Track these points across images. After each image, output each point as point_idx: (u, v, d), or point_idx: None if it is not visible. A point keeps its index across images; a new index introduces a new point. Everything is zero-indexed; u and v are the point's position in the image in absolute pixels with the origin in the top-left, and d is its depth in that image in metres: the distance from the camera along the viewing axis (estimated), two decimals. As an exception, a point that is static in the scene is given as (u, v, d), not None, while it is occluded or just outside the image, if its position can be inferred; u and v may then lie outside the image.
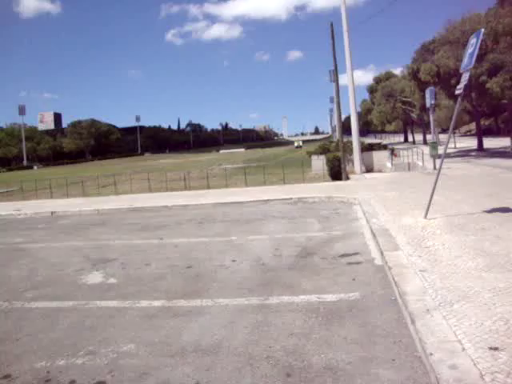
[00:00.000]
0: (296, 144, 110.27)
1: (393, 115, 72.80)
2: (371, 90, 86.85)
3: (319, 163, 30.66)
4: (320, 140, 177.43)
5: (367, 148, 32.21)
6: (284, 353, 5.19)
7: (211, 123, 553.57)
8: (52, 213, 20.00)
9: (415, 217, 11.80)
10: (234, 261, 9.52)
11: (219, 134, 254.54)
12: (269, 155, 75.50)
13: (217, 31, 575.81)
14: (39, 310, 7.37)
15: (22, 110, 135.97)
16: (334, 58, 26.62)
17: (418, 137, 79.93)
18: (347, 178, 25.32)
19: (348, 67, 28.52)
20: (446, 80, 35.01)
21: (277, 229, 12.82)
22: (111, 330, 6.22)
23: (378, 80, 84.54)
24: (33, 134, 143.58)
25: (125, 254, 10.96)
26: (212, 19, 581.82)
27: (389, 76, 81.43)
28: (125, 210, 19.12)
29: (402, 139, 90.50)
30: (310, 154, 35.48)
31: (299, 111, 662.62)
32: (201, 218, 15.49)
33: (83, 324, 6.55)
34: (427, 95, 35.96)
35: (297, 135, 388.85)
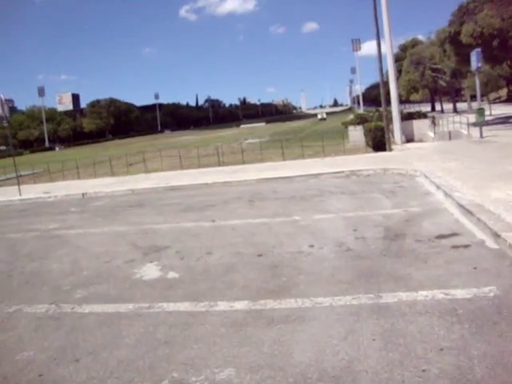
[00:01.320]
0: (319, 116, 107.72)
1: (421, 83, 70.00)
2: (397, 58, 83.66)
3: (357, 134, 29.05)
4: (340, 112, 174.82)
5: (406, 117, 30.31)
6: (450, 381, 3.72)
7: (229, 98, 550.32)
8: (83, 194, 18.76)
9: (503, 190, 10.18)
10: (311, 246, 8.06)
11: (238, 109, 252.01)
12: (294, 128, 73.57)
13: (231, 5, 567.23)
14: (94, 315, 6.00)
15: (41, 92, 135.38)
16: (376, 21, 24.52)
17: (446, 105, 77.27)
18: (390, 149, 23.60)
19: (386, 31, 26.51)
20: (487, 42, 32.71)
21: (342, 206, 11.32)
22: (194, 347, 4.80)
23: (403, 48, 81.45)
24: (52, 115, 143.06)
25: (177, 240, 9.56)
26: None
27: (415, 43, 78.42)
28: (161, 189, 17.76)
29: (428, 108, 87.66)
30: (345, 124, 33.73)
31: (317, 84, 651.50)
32: (249, 196, 14.04)
33: (154, 336, 5.16)
34: (473, 58, 33.62)
35: (315, 108, 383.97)
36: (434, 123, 30.26)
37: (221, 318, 5.46)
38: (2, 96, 21.20)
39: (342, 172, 16.59)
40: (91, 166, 30.64)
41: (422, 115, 31.87)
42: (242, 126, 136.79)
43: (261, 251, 8.02)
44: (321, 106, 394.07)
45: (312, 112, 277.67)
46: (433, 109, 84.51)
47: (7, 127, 23.21)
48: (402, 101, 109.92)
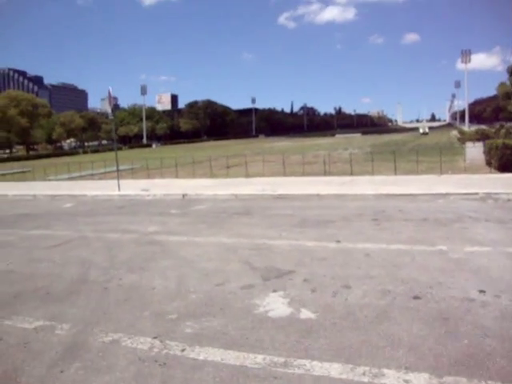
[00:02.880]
0: (421, 130, 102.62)
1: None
2: (512, 71, 78.06)
3: (475, 151, 26.46)
4: (438, 127, 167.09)
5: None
6: None
7: (324, 107, 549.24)
8: (183, 195, 17.72)
9: None
10: (482, 292, 6.15)
11: (333, 118, 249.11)
12: (395, 141, 70.25)
13: (330, 14, 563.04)
14: (212, 367, 4.50)
15: (143, 90, 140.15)
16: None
17: None
18: (521, 171, 20.80)
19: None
20: None
21: (496, 237, 9.24)
22: None
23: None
24: (152, 114, 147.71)
25: (300, 263, 7.94)
26: (325, 2, 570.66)
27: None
28: (268, 196, 16.30)
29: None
30: (462, 140, 30.86)
31: (413, 97, 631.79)
32: (372, 213, 12.22)
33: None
34: None
35: (411, 122, 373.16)
36: None
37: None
38: (110, 90, 20.79)
39: (476, 194, 14.34)
40: (189, 165, 30.10)
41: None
42: (337, 135, 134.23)
43: (415, 292, 6.21)
44: (417, 121, 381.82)
45: (408, 126, 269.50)
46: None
47: (113, 121, 22.80)
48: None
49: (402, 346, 4.72)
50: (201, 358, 4.69)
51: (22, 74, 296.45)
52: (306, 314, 5.67)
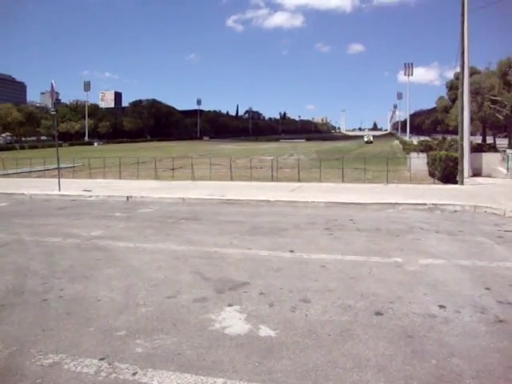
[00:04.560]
0: (366, 139, 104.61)
1: (478, 114, 67.02)
2: (451, 86, 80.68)
3: (419, 162, 27.08)
4: (380, 136, 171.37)
5: (476, 149, 28.04)
6: None
7: (269, 112, 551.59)
8: (128, 197, 17.07)
9: None
10: (442, 307, 6.02)
11: (277, 122, 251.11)
12: (339, 148, 71.33)
13: (278, 20, 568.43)
14: (167, 394, 4.07)
15: (87, 86, 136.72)
16: (462, 40, 22.34)
17: (499, 140, 74.05)
18: (462, 182, 21.29)
19: (465, 56, 24.17)
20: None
21: (447, 249, 9.24)
22: None
23: (458, 77, 78.68)
24: (94, 111, 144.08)
25: (255, 274, 7.60)
26: (274, 7, 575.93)
27: (473, 72, 75.41)
28: (216, 201, 15.89)
29: (479, 141, 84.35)
30: (407, 150, 31.48)
31: (356, 106, 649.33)
32: (324, 222, 12.05)
33: None
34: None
35: (354, 130, 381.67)
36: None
37: None
38: (53, 83, 19.85)
39: (424, 204, 14.46)
40: (132, 165, 29.33)
41: (491, 148, 29.51)
42: (282, 140, 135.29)
43: (376, 307, 6.00)
44: (360, 129, 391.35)
45: (351, 133, 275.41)
46: (483, 142, 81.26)
47: (54, 116, 21.81)
48: (448, 131, 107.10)
49: (370, 367, 4.46)
50: (155, 382, 4.26)
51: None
52: (265, 331, 5.33)
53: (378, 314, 5.78)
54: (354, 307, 6.01)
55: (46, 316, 5.90)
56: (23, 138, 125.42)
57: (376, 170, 27.08)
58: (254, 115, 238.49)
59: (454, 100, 75.46)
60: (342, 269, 7.83)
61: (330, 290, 6.72)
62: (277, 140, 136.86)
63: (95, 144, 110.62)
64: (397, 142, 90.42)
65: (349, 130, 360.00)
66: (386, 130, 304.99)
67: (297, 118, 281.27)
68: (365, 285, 6.95)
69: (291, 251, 9.02)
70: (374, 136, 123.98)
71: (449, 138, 32.61)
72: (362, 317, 5.70)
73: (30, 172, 32.03)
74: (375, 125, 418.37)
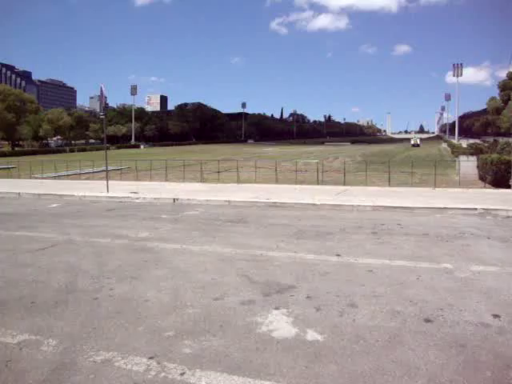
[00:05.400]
0: (413, 142, 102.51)
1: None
2: (503, 86, 78.50)
3: (469, 165, 26.29)
4: (426, 139, 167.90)
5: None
6: None
7: (314, 114, 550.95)
8: (174, 199, 17.29)
9: None
10: (496, 316, 5.83)
11: (322, 125, 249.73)
12: (385, 151, 70.33)
13: (322, 22, 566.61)
14: (216, 397, 4.10)
15: (133, 90, 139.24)
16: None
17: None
18: (516, 187, 20.66)
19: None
20: None
21: (502, 257, 8.94)
22: None
23: None
24: (141, 114, 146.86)
25: (302, 277, 7.56)
26: (318, 9, 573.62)
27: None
28: (262, 204, 15.91)
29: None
30: (456, 153, 30.76)
31: (403, 108, 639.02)
32: (371, 226, 11.89)
33: None
34: None
35: (400, 132, 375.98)
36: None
37: None
38: (103, 87, 20.35)
39: (474, 209, 14.07)
40: (178, 168, 29.68)
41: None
42: (327, 143, 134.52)
43: (426, 314, 5.87)
44: (406, 131, 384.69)
45: (397, 136, 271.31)
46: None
47: (103, 119, 22.35)
48: (501, 133, 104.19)
49: (420, 375, 4.36)
50: (202, 383, 4.29)
51: (10, 68, 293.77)
52: (312, 335, 5.29)
53: (428, 321, 5.66)
54: (402, 313, 5.90)
55: (97, 314, 6.03)
56: (73, 142, 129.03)
57: (423, 174, 26.58)
58: (298, 118, 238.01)
59: (506, 101, 73.46)
60: (390, 274, 7.70)
61: (378, 295, 6.61)
62: (321, 143, 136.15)
63: (142, 147, 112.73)
64: (444, 144, 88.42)
65: (394, 133, 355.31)
66: (432, 133, 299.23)
67: (342, 121, 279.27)
68: (413, 291, 6.81)
69: (338, 255, 8.94)
70: (420, 139, 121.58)
71: (501, 140, 31.67)
72: (410, 323, 5.59)
73: (80, 174, 32.93)
74: (422, 127, 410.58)
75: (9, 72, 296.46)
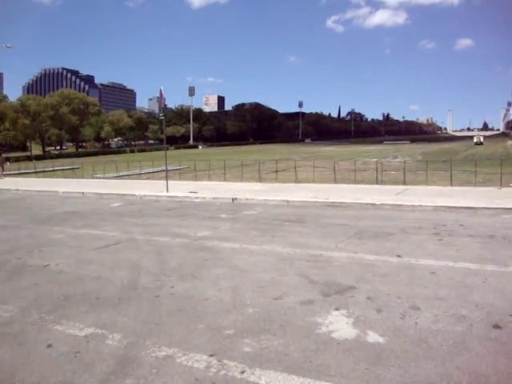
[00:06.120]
0: (476, 140, 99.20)
1: None
2: None
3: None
4: (491, 136, 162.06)
5: None
6: None
7: (371, 113, 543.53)
8: (233, 199, 17.43)
9: None
10: None
11: (380, 124, 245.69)
12: (447, 150, 68.44)
13: (380, 18, 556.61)
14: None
15: (191, 91, 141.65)
16: None
17: None
18: None
19: None
20: None
21: None
22: None
23: None
24: (198, 115, 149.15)
25: (361, 278, 7.45)
26: (375, 5, 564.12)
27: None
28: (320, 204, 15.80)
29: None
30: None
31: (465, 104, 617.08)
32: (432, 227, 11.58)
33: None
34: None
35: (462, 130, 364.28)
36: None
37: None
38: (162, 89, 20.82)
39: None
40: (236, 167, 29.89)
41: None
42: (385, 142, 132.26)
43: (494, 319, 5.64)
44: (468, 129, 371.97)
45: (458, 134, 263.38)
46: None
47: (163, 120, 22.88)
48: None
49: (489, 387, 4.19)
50: (262, 382, 4.30)
51: (75, 73, 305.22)
52: (373, 337, 5.20)
53: (496, 327, 5.44)
54: (467, 318, 5.70)
55: (159, 311, 6.16)
56: (132, 142, 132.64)
57: (488, 173, 25.62)
58: (356, 117, 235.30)
59: None
60: (453, 276, 7.47)
61: (441, 298, 6.43)
62: (380, 142, 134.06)
63: (200, 147, 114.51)
64: (511, 142, 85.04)
65: (456, 131, 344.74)
66: (497, 130, 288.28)
67: (400, 119, 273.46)
68: (479, 294, 6.57)
69: (398, 256, 8.75)
70: (484, 136, 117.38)
71: None
72: (477, 329, 5.39)
73: (140, 174, 33.78)
74: (485, 124, 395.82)
75: (73, 77, 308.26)
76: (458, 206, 14.26)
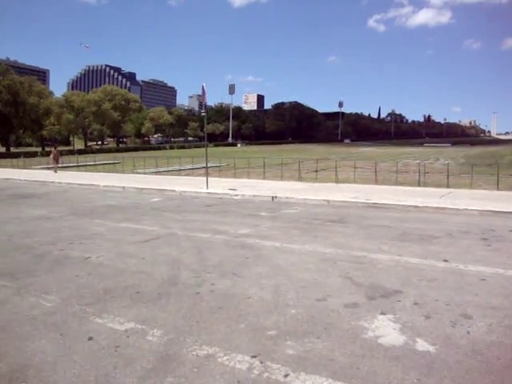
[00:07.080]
0: None
1: None
2: None
3: None
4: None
5: None
6: None
7: (412, 114, 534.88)
8: (273, 197, 17.29)
9: None
10: None
11: (421, 126, 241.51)
12: (491, 152, 66.60)
13: (423, 17, 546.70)
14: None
15: (231, 89, 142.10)
16: None
17: None
18: None
19: None
20: None
21: None
22: None
23: None
24: (238, 113, 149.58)
25: (407, 282, 7.18)
26: (419, 4, 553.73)
27: None
28: (361, 204, 15.50)
29: None
30: None
31: (510, 107, 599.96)
32: (479, 231, 11.17)
33: None
34: None
35: (507, 133, 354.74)
36: None
37: None
38: (204, 86, 20.83)
39: None
40: (275, 166, 29.73)
41: None
42: (426, 144, 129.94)
43: (554, 333, 5.31)
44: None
45: (503, 137, 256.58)
46: None
47: (204, 117, 22.90)
48: None
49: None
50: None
51: (117, 70, 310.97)
52: (423, 345, 4.96)
53: (557, 341, 5.12)
54: (523, 329, 5.39)
55: (199, 308, 6.05)
56: (172, 139, 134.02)
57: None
58: (396, 118, 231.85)
59: None
60: (505, 284, 7.13)
61: (493, 306, 6.12)
62: (420, 144, 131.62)
63: (238, 145, 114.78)
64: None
65: (500, 134, 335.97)
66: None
67: (442, 121, 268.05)
68: (534, 306, 6.23)
69: (445, 260, 8.44)
70: None
71: None
72: (536, 344, 5.08)
73: (180, 170, 33.94)
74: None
75: (116, 73, 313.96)
76: (506, 210, 13.73)
